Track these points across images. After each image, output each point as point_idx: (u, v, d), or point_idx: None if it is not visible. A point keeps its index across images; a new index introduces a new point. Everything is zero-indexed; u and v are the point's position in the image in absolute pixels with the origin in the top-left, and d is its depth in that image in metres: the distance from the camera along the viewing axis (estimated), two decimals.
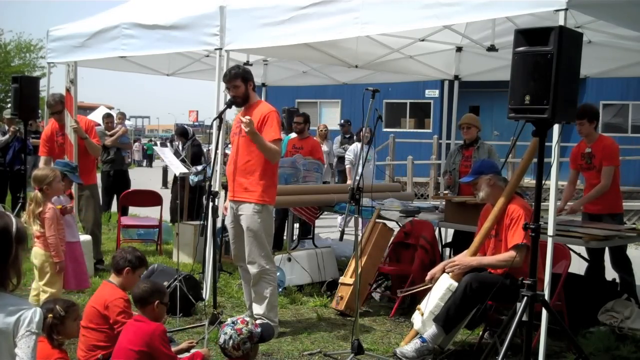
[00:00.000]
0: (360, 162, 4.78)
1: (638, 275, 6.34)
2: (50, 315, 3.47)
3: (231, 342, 3.64)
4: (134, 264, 4.16)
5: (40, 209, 4.83)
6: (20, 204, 7.74)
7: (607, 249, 6.08)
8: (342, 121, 13.47)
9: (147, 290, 3.83)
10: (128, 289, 4.10)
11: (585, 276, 6.11)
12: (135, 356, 3.60)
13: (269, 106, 5.21)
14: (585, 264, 6.16)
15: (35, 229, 4.80)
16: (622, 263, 6.07)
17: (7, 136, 9.66)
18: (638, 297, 5.95)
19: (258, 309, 5.14)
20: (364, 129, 8.32)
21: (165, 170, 10.07)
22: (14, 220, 2.28)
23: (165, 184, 10.03)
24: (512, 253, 4.55)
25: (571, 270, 5.24)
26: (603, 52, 6.61)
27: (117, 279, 4.15)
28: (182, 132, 10.42)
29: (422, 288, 4.95)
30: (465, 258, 4.81)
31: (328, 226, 10.40)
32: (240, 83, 5.14)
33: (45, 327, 3.44)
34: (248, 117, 4.90)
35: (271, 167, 5.13)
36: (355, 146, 10.25)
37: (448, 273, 4.74)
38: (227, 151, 7.82)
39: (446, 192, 9.05)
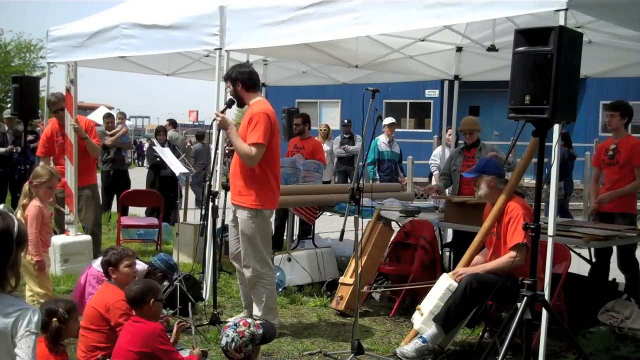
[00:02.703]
0: (360, 162, 4.76)
1: None
2: (54, 319, 3.43)
3: (233, 344, 3.63)
4: (112, 261, 4.17)
5: (25, 201, 4.80)
6: None
7: (615, 250, 6.05)
8: (345, 120, 13.41)
9: (140, 290, 3.81)
10: (126, 284, 4.11)
11: (588, 276, 6.09)
12: (136, 357, 3.60)
13: (262, 106, 5.02)
14: (585, 264, 6.15)
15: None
16: (630, 265, 6.03)
17: (4, 149, 9.73)
18: None
19: (257, 310, 5.15)
20: (448, 131, 8.14)
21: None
22: (15, 222, 2.28)
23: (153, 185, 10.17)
24: (511, 254, 4.56)
25: (571, 270, 5.24)
26: (603, 52, 6.61)
27: (114, 280, 4.16)
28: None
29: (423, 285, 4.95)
30: (467, 268, 4.82)
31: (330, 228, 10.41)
32: (229, 84, 5.18)
33: (50, 332, 3.42)
34: (217, 113, 5.06)
35: (268, 170, 5.01)
36: (439, 150, 9.57)
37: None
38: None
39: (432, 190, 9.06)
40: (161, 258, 5.49)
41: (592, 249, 5.88)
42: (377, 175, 9.99)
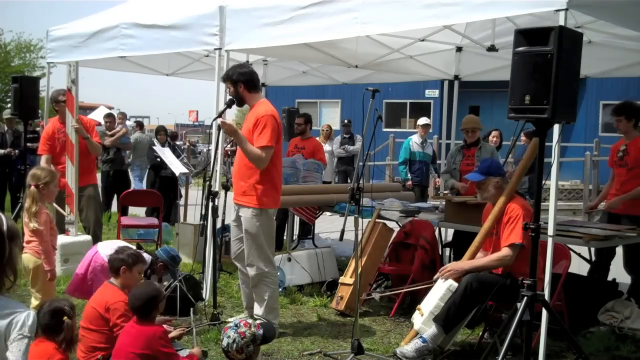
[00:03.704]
0: (360, 162, 4.76)
1: None
2: (65, 317, 3.40)
3: (235, 345, 3.64)
4: (128, 262, 4.14)
5: (36, 207, 4.70)
6: (20, 204, 7.75)
7: (621, 251, 6.02)
8: (346, 120, 13.40)
9: (146, 300, 3.78)
10: (130, 287, 4.09)
11: (587, 276, 6.08)
12: (137, 359, 3.60)
13: (267, 108, 5.05)
14: (585, 264, 6.14)
15: (32, 225, 4.64)
16: (636, 266, 5.98)
17: (3, 151, 9.72)
18: None
19: (258, 309, 5.15)
20: (492, 133, 7.75)
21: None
22: (4, 218, 2.26)
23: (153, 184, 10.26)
24: (504, 252, 4.61)
25: (571, 270, 5.24)
26: (603, 52, 6.61)
27: (117, 280, 4.15)
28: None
29: (421, 286, 4.95)
30: (458, 262, 4.83)
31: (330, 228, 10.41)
32: (229, 85, 5.17)
33: (64, 331, 3.38)
34: (221, 120, 4.96)
35: (272, 170, 5.05)
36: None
37: (443, 279, 4.74)
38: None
39: (446, 192, 8.82)
40: (164, 249, 5.59)
41: (593, 249, 5.86)
42: (409, 175, 9.55)
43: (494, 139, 9.60)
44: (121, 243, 5.16)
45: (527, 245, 4.36)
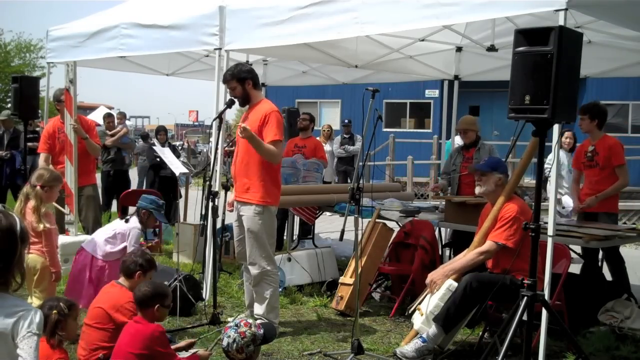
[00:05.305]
0: (360, 162, 4.76)
1: (638, 274, 6.33)
2: (55, 311, 3.46)
3: (235, 345, 3.64)
4: (145, 267, 4.15)
5: (45, 208, 4.71)
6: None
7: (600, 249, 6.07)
8: (347, 120, 13.39)
9: (148, 293, 3.80)
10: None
11: (581, 276, 6.10)
12: (135, 359, 3.60)
13: (271, 105, 5.14)
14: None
15: (43, 226, 4.65)
16: (615, 262, 6.04)
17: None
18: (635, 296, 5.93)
19: (258, 309, 5.15)
20: (565, 134, 7.53)
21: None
22: (17, 219, 2.28)
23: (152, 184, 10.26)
24: (487, 245, 4.67)
25: (571, 270, 5.24)
26: (603, 52, 6.61)
27: (128, 282, 4.14)
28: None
29: (424, 296, 4.94)
30: (439, 270, 4.84)
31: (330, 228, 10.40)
32: (235, 84, 5.14)
33: (48, 324, 3.43)
34: (243, 125, 4.87)
35: (274, 168, 5.10)
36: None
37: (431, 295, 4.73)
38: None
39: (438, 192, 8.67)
40: (143, 198, 5.56)
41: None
42: None
43: (567, 139, 8.85)
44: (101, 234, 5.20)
45: (526, 245, 4.36)
